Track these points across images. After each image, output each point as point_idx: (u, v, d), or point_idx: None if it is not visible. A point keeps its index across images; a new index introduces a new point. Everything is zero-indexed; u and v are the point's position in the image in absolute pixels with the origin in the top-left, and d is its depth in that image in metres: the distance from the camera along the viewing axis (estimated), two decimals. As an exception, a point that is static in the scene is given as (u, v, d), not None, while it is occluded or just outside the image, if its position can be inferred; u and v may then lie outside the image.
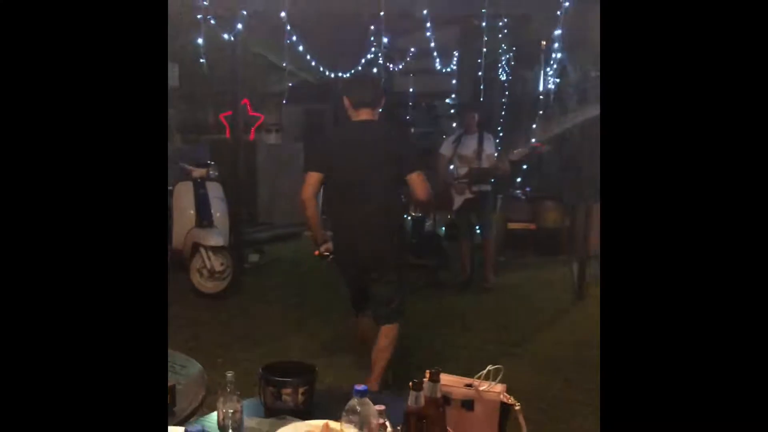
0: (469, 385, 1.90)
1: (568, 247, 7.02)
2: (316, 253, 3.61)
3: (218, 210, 5.95)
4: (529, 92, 8.64)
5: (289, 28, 5.88)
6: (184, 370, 2.54)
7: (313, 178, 3.46)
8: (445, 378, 1.84)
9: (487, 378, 1.90)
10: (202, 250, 5.56)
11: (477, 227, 6.15)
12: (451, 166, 5.94)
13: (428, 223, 7.24)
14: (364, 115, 3.46)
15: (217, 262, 5.51)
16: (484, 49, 5.80)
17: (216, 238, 5.63)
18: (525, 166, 7.76)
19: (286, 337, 4.62)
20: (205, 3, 5.56)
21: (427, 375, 1.74)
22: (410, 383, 1.70)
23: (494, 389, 1.88)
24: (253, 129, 8.73)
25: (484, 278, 6.00)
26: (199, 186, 5.91)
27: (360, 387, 1.69)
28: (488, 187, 5.92)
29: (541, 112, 7.84)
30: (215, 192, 6.00)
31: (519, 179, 7.92)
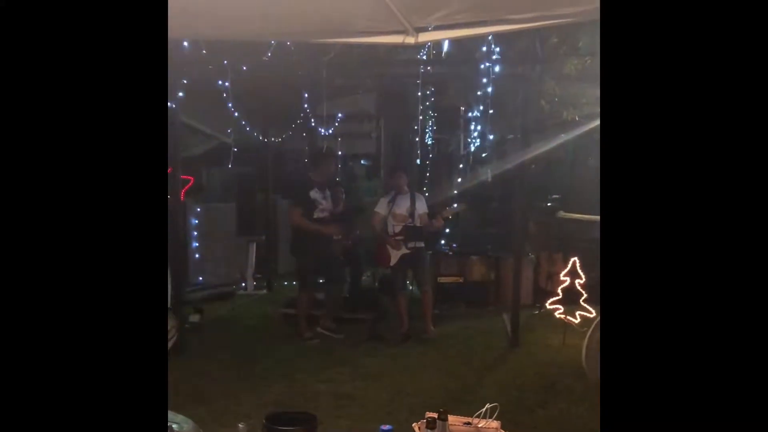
0: (468, 423, 2.19)
1: (495, 298, 7.48)
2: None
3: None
4: (451, 154, 9.19)
5: (224, 94, 6.10)
6: (178, 427, 2.70)
7: None
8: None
9: (484, 416, 2.20)
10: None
11: (409, 282, 6.48)
12: (388, 225, 6.29)
13: (365, 278, 7.51)
14: None
15: (163, 324, 5.51)
16: (420, 117, 6.24)
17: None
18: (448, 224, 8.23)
19: (236, 394, 4.69)
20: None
21: (437, 415, 2.02)
22: (425, 421, 1.98)
23: (491, 425, 2.17)
24: (183, 191, 8.79)
25: (425, 329, 6.28)
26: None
27: (386, 427, 1.95)
28: (422, 243, 6.31)
29: (465, 173, 8.38)
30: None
31: (444, 236, 8.37)
